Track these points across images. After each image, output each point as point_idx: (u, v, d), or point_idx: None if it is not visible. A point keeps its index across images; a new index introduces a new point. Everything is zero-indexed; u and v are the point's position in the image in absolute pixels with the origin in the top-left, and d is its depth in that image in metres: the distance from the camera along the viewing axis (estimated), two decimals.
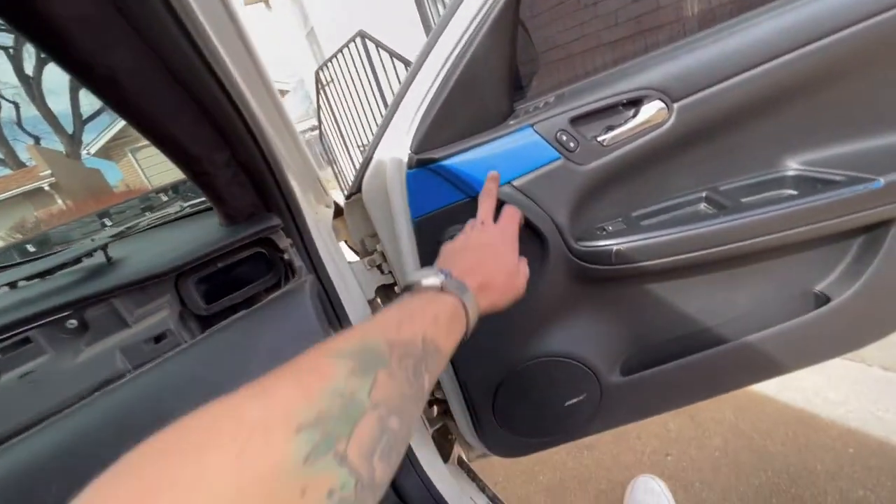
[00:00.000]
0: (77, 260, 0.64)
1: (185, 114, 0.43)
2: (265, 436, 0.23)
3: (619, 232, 0.73)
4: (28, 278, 0.66)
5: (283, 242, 0.68)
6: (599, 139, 0.69)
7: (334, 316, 0.76)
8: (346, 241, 1.02)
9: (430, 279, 0.48)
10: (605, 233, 0.74)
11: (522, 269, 0.62)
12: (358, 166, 0.84)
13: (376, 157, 0.76)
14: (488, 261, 0.56)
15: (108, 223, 1.17)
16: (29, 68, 13.67)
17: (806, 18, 0.61)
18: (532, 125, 0.69)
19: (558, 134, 0.68)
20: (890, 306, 0.79)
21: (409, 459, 1.03)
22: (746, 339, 0.79)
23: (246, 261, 0.70)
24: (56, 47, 0.37)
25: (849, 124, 0.70)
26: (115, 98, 0.40)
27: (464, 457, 1.13)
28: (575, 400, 0.85)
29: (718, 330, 0.82)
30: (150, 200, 1.28)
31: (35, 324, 0.53)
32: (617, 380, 0.84)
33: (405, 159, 0.72)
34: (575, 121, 0.69)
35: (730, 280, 0.78)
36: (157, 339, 0.62)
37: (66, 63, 0.38)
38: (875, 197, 0.66)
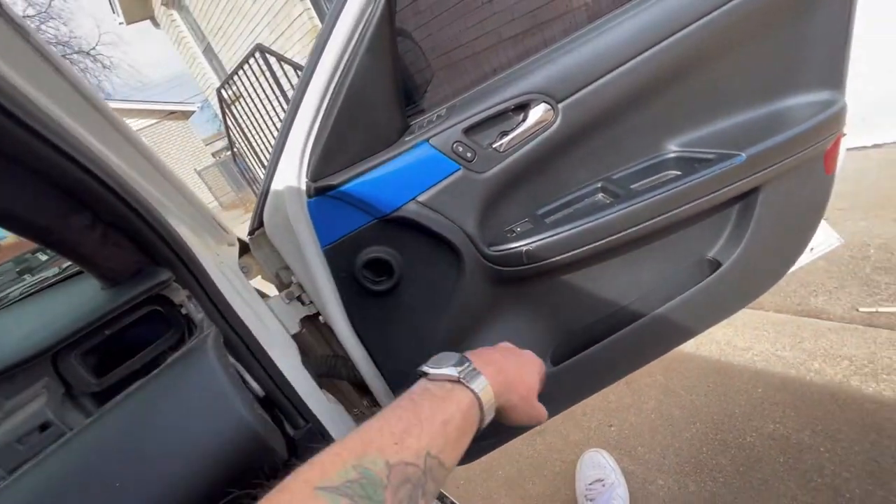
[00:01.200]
0: None
1: (7, 183, 0.37)
2: None
3: (527, 232, 0.75)
4: None
5: (179, 296, 0.63)
6: (495, 146, 0.70)
7: (254, 362, 0.71)
8: (261, 277, 0.97)
9: (446, 369, 0.45)
10: (514, 234, 0.76)
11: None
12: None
13: (273, 188, 0.72)
14: (512, 361, 0.53)
15: None
16: None
17: (661, 16, 0.67)
18: (428, 140, 0.69)
19: (454, 145, 0.69)
20: (770, 260, 0.88)
21: None
22: (658, 311, 0.85)
23: (142, 320, 0.64)
24: None
25: (711, 107, 0.77)
26: None
27: None
28: None
29: (632, 307, 0.87)
30: (28, 261, 1.13)
31: None
32: (549, 370, 0.87)
33: (303, 188, 0.69)
34: (468, 131, 0.69)
35: (634, 261, 0.84)
36: (42, 429, 0.55)
37: None
38: (741, 170, 0.73)
